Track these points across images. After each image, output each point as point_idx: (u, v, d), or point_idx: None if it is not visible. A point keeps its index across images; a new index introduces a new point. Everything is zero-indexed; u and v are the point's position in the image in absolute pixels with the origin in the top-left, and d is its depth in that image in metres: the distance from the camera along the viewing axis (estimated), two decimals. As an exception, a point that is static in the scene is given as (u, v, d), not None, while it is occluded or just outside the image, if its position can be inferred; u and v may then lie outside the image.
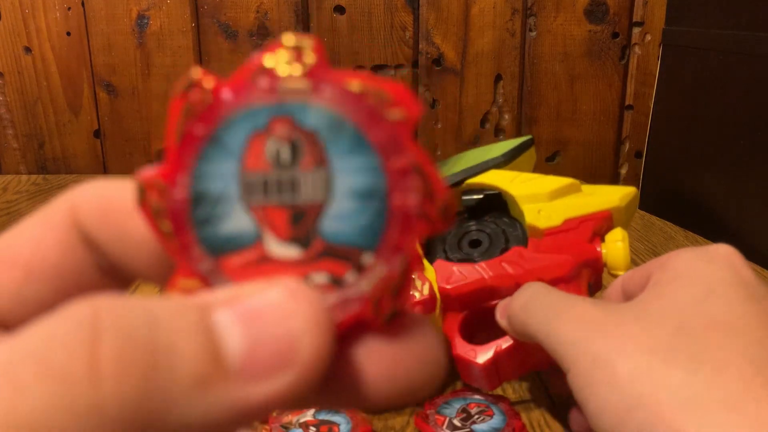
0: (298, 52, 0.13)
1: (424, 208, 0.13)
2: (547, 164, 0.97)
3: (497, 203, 0.48)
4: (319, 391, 0.13)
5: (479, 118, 0.95)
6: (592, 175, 0.97)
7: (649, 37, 0.93)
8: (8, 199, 0.85)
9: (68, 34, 0.93)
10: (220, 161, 0.13)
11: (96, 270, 0.15)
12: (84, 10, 0.92)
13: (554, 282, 0.39)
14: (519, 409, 0.42)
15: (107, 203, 0.15)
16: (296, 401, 0.12)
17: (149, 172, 0.13)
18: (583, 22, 0.92)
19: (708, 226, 0.73)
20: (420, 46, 0.93)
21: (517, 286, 0.39)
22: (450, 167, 0.63)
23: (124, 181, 0.15)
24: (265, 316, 0.12)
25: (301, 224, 0.13)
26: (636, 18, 0.92)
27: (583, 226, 0.42)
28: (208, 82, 0.13)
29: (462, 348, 0.40)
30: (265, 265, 0.13)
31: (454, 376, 0.42)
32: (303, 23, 0.92)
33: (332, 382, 0.13)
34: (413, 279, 0.14)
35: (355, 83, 0.13)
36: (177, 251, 0.13)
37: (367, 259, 0.13)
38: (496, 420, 0.40)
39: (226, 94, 0.13)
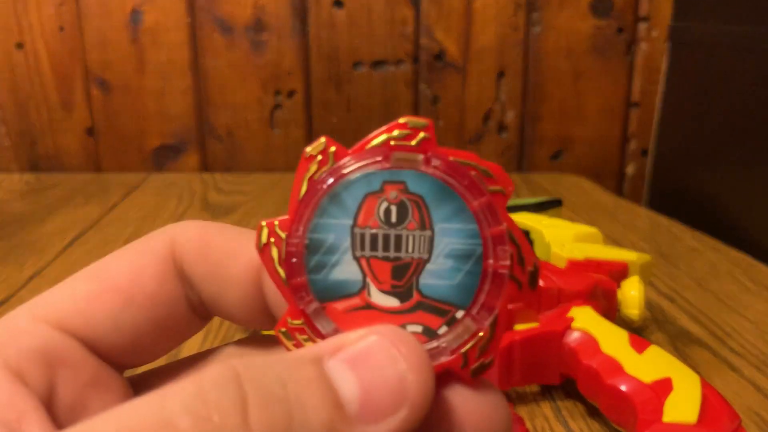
0: (412, 130, 0.15)
1: (515, 272, 0.14)
2: (552, 162, 0.96)
3: None
4: None
5: (482, 115, 0.94)
6: (598, 174, 0.96)
7: (655, 33, 0.91)
8: (0, 197, 0.84)
9: (61, 29, 0.91)
10: (336, 216, 0.15)
11: (185, 303, 0.17)
12: (77, 5, 0.90)
13: (574, 296, 0.43)
14: (522, 415, 0.41)
15: (206, 242, 0.16)
16: None
17: (272, 220, 0.15)
18: (587, 17, 0.90)
19: (716, 226, 0.71)
20: (421, 41, 0.91)
21: (540, 291, 0.43)
22: None
23: (224, 224, 0.17)
24: (372, 360, 0.13)
25: (402, 278, 0.15)
26: (642, 13, 0.90)
27: (602, 268, 0.46)
28: (333, 149, 0.15)
29: None
30: (366, 312, 0.15)
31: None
32: (301, 18, 0.90)
33: (427, 423, 0.14)
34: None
35: (459, 159, 0.15)
36: (289, 293, 0.15)
37: (460, 314, 0.15)
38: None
39: (348, 159, 0.15)
